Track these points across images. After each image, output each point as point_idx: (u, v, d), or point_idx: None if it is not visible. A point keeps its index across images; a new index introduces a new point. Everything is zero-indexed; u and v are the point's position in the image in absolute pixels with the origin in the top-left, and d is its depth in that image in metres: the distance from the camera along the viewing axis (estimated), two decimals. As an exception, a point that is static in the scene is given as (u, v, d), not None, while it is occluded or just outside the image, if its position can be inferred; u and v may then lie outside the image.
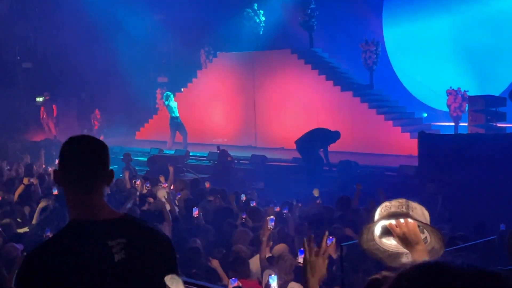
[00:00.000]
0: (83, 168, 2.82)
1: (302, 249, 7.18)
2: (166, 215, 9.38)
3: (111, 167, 2.93)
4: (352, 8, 21.08)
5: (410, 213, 3.03)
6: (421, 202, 3.17)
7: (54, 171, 2.88)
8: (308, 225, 8.92)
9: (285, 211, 9.64)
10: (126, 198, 11.23)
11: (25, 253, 7.67)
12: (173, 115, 20.43)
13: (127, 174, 13.52)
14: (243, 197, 11.49)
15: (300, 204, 11.63)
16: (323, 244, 3.09)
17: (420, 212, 3.06)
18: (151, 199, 11.02)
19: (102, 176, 2.86)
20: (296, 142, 16.13)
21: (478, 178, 12.83)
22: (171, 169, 13.80)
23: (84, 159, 2.83)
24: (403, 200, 3.08)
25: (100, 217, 2.80)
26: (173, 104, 20.41)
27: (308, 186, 13.31)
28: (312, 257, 3.06)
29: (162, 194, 10.87)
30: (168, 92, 20.77)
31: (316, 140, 15.84)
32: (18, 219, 9.83)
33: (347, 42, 20.63)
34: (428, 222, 3.07)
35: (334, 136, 16.07)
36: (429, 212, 3.14)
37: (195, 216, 9.63)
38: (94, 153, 2.86)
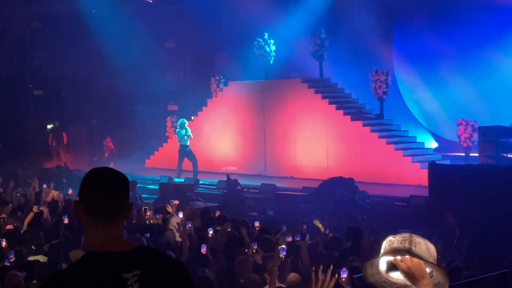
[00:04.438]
0: (104, 200, 2.87)
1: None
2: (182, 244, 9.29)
3: None
4: (362, 37, 21.14)
5: (413, 248, 3.01)
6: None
7: (75, 202, 2.93)
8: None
9: (297, 239, 9.53)
10: (138, 226, 11.10)
11: (34, 282, 7.66)
12: (183, 143, 20.44)
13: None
14: (256, 223, 11.34)
15: (305, 226, 11.39)
16: (327, 277, 3.44)
17: (424, 247, 3.04)
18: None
19: (122, 208, 2.92)
20: (313, 195, 15.94)
21: (489, 209, 12.75)
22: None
23: (106, 192, 2.88)
24: (406, 235, 3.07)
25: (115, 249, 2.84)
26: (183, 131, 20.39)
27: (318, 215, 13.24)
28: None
29: (174, 221, 10.80)
30: (183, 119, 20.77)
31: (333, 189, 15.58)
32: (33, 247, 9.77)
33: (357, 71, 20.69)
34: (434, 257, 3.04)
35: (348, 182, 15.93)
36: (438, 246, 3.12)
37: (203, 252, 9.33)
38: (115, 186, 2.91)
